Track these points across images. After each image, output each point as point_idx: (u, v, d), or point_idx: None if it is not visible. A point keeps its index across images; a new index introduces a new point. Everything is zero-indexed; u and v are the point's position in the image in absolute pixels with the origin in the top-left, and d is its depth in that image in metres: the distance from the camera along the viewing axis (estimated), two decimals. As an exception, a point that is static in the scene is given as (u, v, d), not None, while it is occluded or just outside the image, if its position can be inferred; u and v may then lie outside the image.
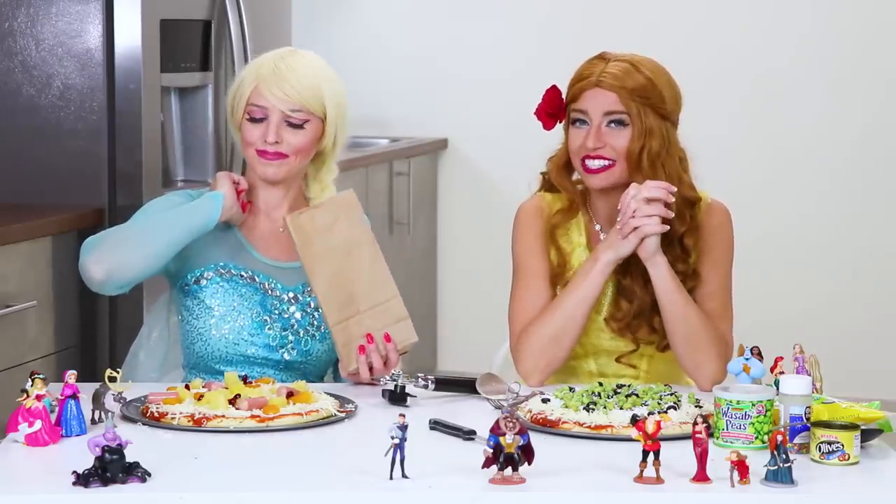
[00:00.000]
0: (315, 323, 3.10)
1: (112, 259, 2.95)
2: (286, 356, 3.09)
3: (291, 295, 3.11)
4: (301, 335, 3.10)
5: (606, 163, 3.02)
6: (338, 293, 2.97)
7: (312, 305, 3.10)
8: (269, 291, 3.10)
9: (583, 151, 3.03)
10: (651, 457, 2.29)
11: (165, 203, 3.10)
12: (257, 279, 3.10)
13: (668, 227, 2.94)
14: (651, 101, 3.01)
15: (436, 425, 2.60)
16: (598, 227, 3.11)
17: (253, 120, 3.07)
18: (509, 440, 2.27)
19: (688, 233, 3.03)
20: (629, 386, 2.73)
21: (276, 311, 3.09)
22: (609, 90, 3.01)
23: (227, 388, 2.68)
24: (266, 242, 3.14)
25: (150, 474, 2.27)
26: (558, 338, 2.97)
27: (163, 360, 3.21)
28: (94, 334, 4.07)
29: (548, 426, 2.58)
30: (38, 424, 2.46)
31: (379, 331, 2.94)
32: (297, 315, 3.11)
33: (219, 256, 3.10)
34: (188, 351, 3.12)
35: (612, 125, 3.02)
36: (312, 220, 3.01)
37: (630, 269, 3.02)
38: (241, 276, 3.09)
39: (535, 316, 3.01)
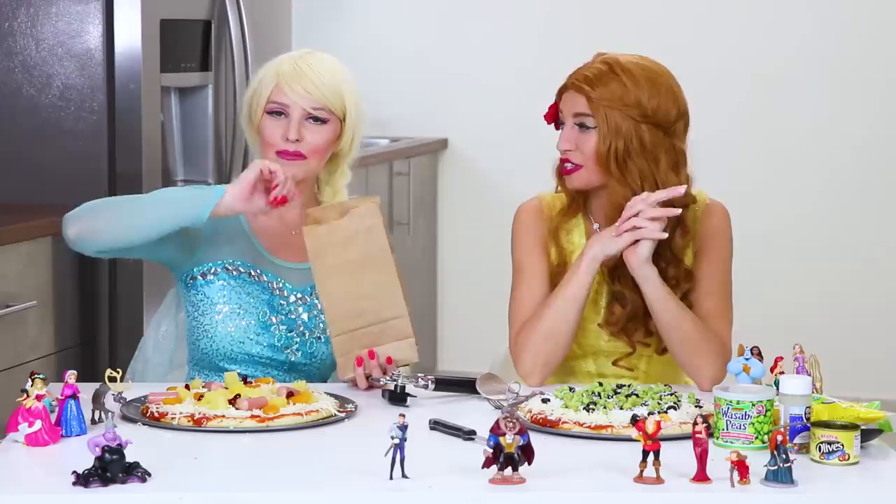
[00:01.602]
0: (321, 326, 3.09)
1: (87, 224, 2.96)
2: (291, 357, 3.08)
3: (299, 296, 3.10)
4: (307, 337, 3.09)
5: (573, 165, 3.02)
6: (345, 306, 2.92)
7: (319, 307, 3.08)
8: (277, 291, 3.09)
9: (559, 153, 3.04)
10: (651, 457, 2.29)
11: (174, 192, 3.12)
12: (265, 278, 3.09)
13: (667, 236, 2.92)
14: (623, 103, 2.97)
15: (436, 425, 2.60)
16: (596, 227, 3.10)
17: (273, 114, 3.06)
18: (509, 440, 2.27)
19: (678, 235, 3.02)
20: (629, 386, 2.72)
21: (283, 312, 3.09)
22: (578, 92, 3.01)
23: (226, 388, 2.68)
24: (277, 242, 3.13)
25: (150, 474, 2.27)
26: (552, 336, 2.96)
27: (171, 354, 3.20)
28: (94, 334, 4.06)
29: (548, 426, 2.57)
30: (38, 424, 2.46)
31: (381, 346, 2.90)
32: (304, 317, 3.10)
33: (228, 253, 3.09)
34: (193, 347, 3.11)
35: (581, 127, 3.01)
36: (329, 234, 2.93)
37: (618, 274, 3.01)
38: (250, 274, 3.08)
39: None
